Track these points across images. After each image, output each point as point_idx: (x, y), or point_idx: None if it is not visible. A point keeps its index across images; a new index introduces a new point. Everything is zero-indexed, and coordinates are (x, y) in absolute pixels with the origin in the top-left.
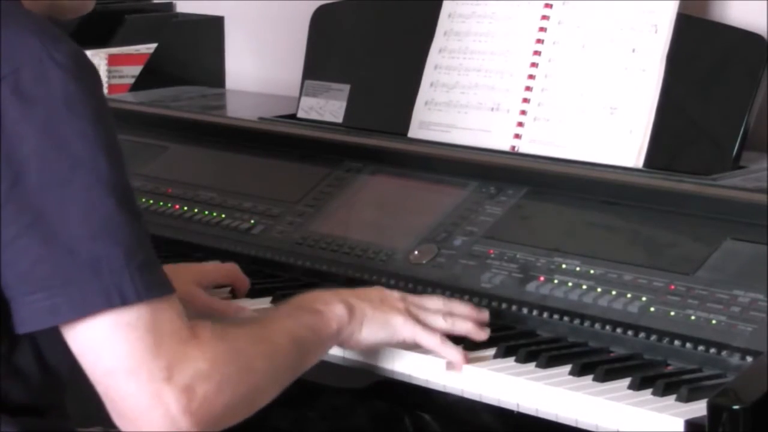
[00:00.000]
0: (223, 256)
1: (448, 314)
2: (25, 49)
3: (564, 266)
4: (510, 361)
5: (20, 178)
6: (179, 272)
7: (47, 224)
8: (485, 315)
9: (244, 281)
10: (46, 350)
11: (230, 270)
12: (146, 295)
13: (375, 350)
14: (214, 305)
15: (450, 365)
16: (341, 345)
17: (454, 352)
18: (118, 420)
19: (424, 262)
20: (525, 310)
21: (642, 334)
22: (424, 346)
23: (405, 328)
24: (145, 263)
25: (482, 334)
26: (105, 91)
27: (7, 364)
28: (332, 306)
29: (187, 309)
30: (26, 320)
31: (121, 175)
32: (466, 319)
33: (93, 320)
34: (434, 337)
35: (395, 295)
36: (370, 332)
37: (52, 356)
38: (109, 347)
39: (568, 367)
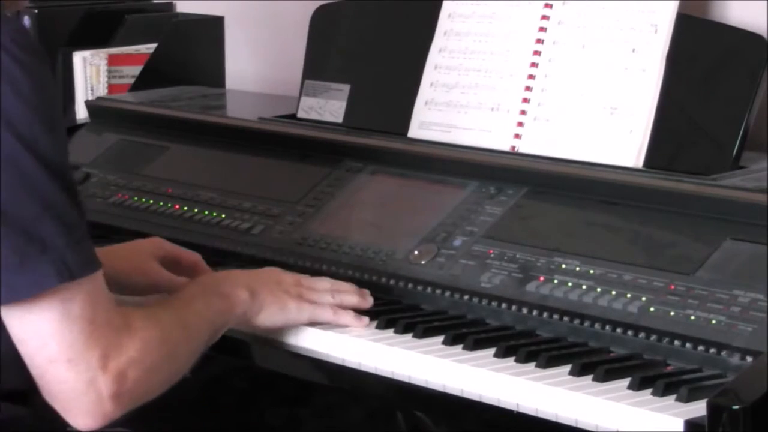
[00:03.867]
0: (223, 256)
1: (336, 291)
2: None
3: (564, 266)
4: (510, 361)
5: None
6: (137, 247)
7: None
8: (366, 291)
9: (195, 259)
10: None
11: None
12: (88, 269)
13: (274, 330)
14: (174, 281)
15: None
16: (242, 326)
17: (349, 318)
18: (48, 397)
19: (423, 262)
20: (525, 310)
21: (642, 334)
22: (321, 321)
23: (301, 312)
24: (83, 238)
25: (367, 302)
26: (105, 90)
27: None
28: (237, 290)
29: (146, 283)
30: None
31: (63, 155)
32: (350, 294)
33: (42, 309)
34: (327, 312)
35: (289, 280)
36: (267, 316)
37: None
38: (54, 338)
39: (567, 367)
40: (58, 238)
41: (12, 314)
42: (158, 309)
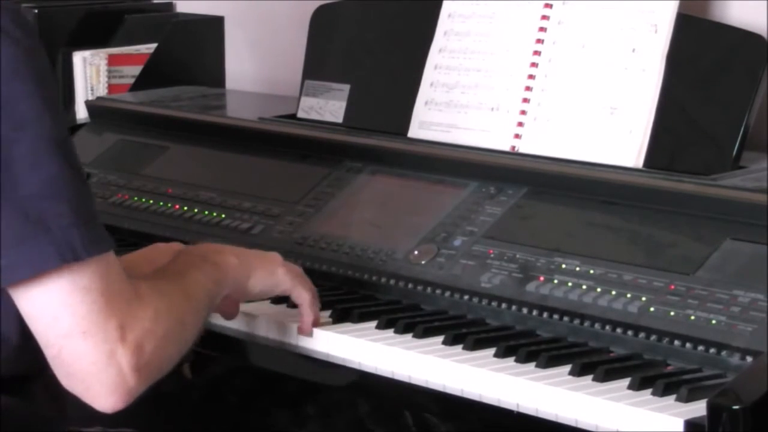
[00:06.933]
0: None
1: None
2: None
3: (564, 266)
4: (510, 361)
5: None
6: (158, 255)
7: None
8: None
9: None
10: None
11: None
12: (95, 250)
13: (258, 298)
14: None
15: (300, 329)
16: (234, 294)
17: (312, 318)
18: (66, 379)
19: (423, 262)
20: (525, 310)
21: (642, 334)
22: (295, 299)
23: (286, 279)
24: (91, 219)
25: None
26: (105, 90)
27: None
28: (226, 257)
29: None
30: None
31: (64, 132)
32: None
33: (49, 283)
34: (308, 294)
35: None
36: (256, 281)
37: None
38: (66, 310)
39: (568, 367)
40: (62, 218)
41: (20, 293)
42: (158, 280)
